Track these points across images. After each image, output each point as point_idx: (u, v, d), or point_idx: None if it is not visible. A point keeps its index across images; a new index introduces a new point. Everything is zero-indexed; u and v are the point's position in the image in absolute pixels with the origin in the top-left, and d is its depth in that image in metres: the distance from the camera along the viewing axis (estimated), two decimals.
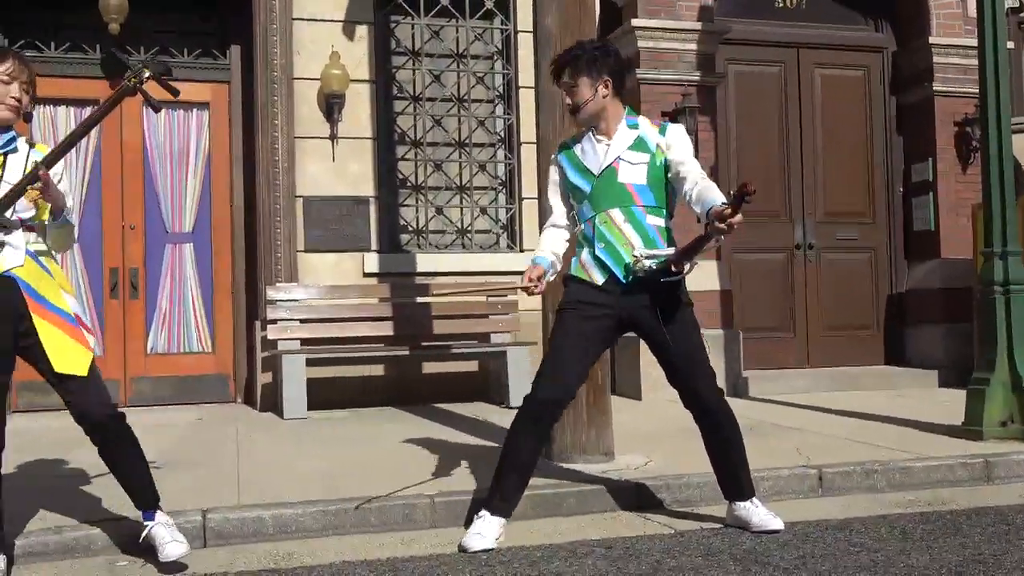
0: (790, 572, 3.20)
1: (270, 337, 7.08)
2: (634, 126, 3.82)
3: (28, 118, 3.46)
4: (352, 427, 6.20)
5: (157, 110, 3.58)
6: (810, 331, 8.38)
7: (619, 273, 3.68)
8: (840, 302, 8.43)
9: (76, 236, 3.63)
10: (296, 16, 7.42)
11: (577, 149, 3.87)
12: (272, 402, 7.08)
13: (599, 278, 3.72)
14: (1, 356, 3.29)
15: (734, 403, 7.24)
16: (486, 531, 3.62)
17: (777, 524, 3.77)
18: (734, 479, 3.90)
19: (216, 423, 6.55)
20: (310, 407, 6.73)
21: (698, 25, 7.86)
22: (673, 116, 7.73)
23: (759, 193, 8.56)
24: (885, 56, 8.70)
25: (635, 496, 4.29)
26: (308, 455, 5.26)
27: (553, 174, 3.99)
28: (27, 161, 3.34)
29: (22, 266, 3.28)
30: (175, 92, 3.62)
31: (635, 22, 7.74)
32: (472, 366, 7.50)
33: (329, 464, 4.99)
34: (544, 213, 4.07)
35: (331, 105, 7.39)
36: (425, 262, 7.56)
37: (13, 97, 3.29)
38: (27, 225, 3.34)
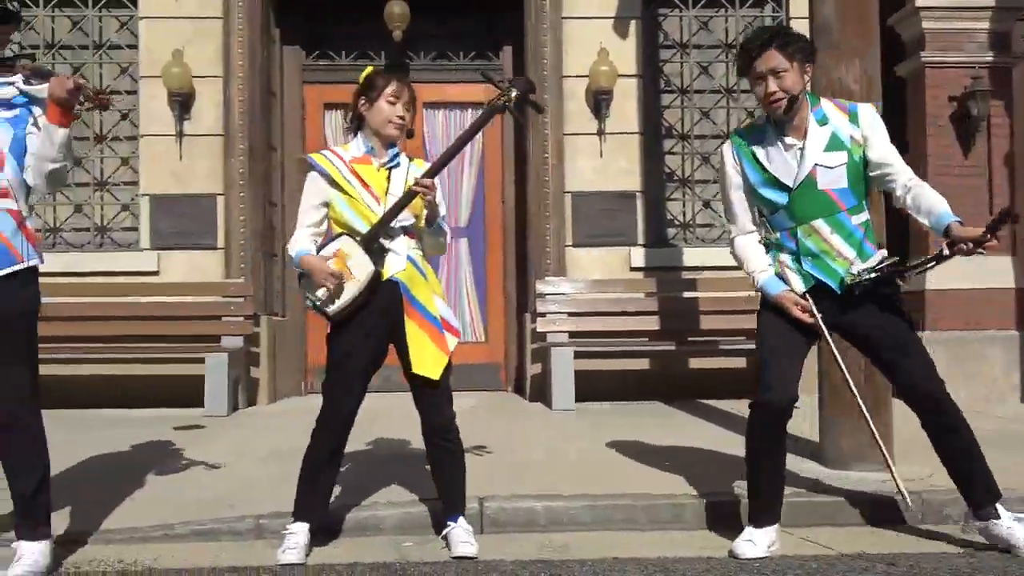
0: None
1: (539, 330, 7.32)
2: (823, 121, 3.51)
3: (410, 135, 3.73)
4: (618, 420, 6.29)
5: (523, 125, 3.91)
6: None
7: (834, 286, 3.52)
8: None
9: (447, 243, 3.91)
10: (566, 15, 7.61)
11: (760, 153, 3.57)
12: (541, 392, 7.32)
13: (800, 287, 3.56)
14: (376, 351, 3.65)
15: None
16: (758, 539, 3.58)
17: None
18: (978, 481, 3.60)
19: (489, 411, 6.83)
20: (578, 398, 6.90)
21: (991, 2, 7.30)
22: (962, 101, 7.28)
23: None
24: None
25: (918, 509, 4.08)
26: (577, 447, 5.38)
27: (733, 175, 3.65)
28: (407, 174, 3.66)
29: (403, 270, 3.61)
30: (540, 109, 3.88)
31: (920, 2, 7.32)
32: (740, 363, 7.42)
33: (597, 457, 5.09)
34: (731, 219, 3.74)
35: (599, 101, 7.52)
36: (692, 256, 7.55)
37: (399, 116, 3.62)
38: (408, 232, 3.65)
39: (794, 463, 4.78)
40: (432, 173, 3.60)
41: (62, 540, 3.73)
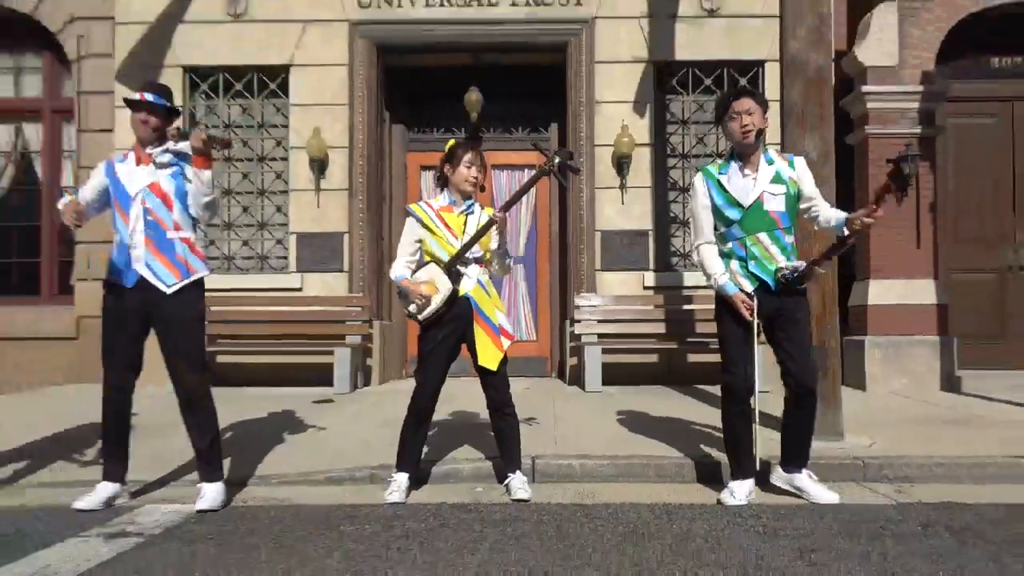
0: (1002, 547, 2.90)
1: (576, 332, 7.32)
2: (770, 162, 3.61)
3: (482, 188, 3.79)
4: (634, 399, 6.29)
5: (566, 186, 4.00)
6: (1022, 338, 7.37)
7: (770, 282, 3.55)
8: None
9: (511, 267, 3.98)
10: (597, 100, 7.62)
11: (723, 179, 3.58)
12: (577, 378, 7.33)
13: (749, 287, 3.55)
14: (453, 347, 3.75)
15: (947, 397, 6.61)
16: (738, 491, 3.57)
17: (831, 498, 3.56)
18: (800, 450, 3.68)
19: (539, 392, 6.87)
20: (604, 383, 6.90)
21: (920, 88, 7.18)
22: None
23: (974, 221, 7.74)
24: None
25: (861, 471, 4.05)
26: (603, 418, 5.39)
27: (703, 198, 3.62)
28: (479, 219, 3.75)
29: (474, 289, 3.72)
30: (576, 171, 3.95)
31: (865, 88, 7.20)
32: None
33: (618, 425, 5.10)
34: (698, 231, 3.67)
35: (621, 164, 7.52)
36: (690, 279, 7.50)
37: (474, 177, 3.72)
38: (478, 261, 3.75)
39: (767, 435, 4.74)
40: (505, 209, 3.73)
41: (230, 482, 3.84)
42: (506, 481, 3.77)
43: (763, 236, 3.53)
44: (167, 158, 3.57)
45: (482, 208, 3.84)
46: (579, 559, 2.77)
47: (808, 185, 3.63)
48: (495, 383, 3.75)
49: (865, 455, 4.18)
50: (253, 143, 7.81)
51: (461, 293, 3.70)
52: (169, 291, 3.50)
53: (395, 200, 8.32)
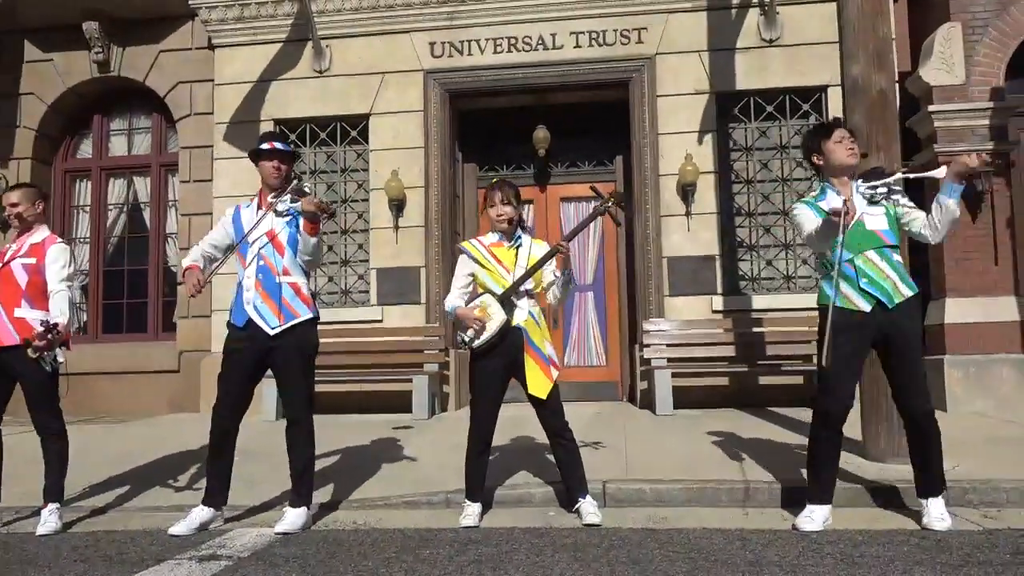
0: None
1: (645, 356, 7.15)
2: (861, 192, 3.47)
3: (510, 223, 3.74)
4: (706, 423, 6.07)
5: (619, 224, 3.98)
6: None
7: (885, 301, 3.34)
8: None
9: (573, 289, 3.91)
10: (660, 132, 7.51)
11: (823, 205, 3.43)
12: (648, 402, 7.13)
13: (865, 305, 3.35)
14: (505, 375, 3.68)
15: None
16: (816, 516, 3.36)
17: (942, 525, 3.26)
18: (934, 478, 3.40)
19: (609, 416, 6.71)
20: (675, 406, 6.70)
21: (989, 104, 6.78)
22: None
23: None
24: None
25: (945, 495, 3.72)
26: (673, 441, 5.23)
27: (809, 211, 3.46)
28: (530, 250, 3.71)
29: (525, 320, 3.66)
30: (624, 209, 3.91)
31: (932, 107, 6.86)
32: (797, 379, 7.01)
33: (689, 449, 4.92)
34: (806, 225, 3.49)
35: (686, 191, 7.36)
36: (758, 302, 7.25)
37: (500, 214, 3.71)
38: (530, 294, 3.71)
39: (843, 457, 4.47)
40: (568, 239, 3.68)
41: (320, 506, 3.87)
42: (576, 506, 3.66)
43: (871, 254, 3.36)
44: (285, 207, 3.66)
45: (532, 240, 3.80)
46: None
47: (903, 201, 3.46)
48: (550, 411, 3.65)
49: (948, 478, 3.86)
50: (336, 187, 8.03)
51: (513, 323, 3.64)
52: (272, 333, 3.56)
53: (468, 235, 8.36)
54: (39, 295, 3.84)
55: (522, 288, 3.67)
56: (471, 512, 3.61)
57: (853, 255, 3.36)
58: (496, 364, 3.64)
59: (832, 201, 3.40)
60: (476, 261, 3.75)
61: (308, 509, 3.62)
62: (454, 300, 3.75)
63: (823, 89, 7.34)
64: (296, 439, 3.63)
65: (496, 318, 3.61)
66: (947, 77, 6.92)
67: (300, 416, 3.64)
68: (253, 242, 3.62)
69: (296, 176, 3.79)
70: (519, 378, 3.68)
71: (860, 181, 3.53)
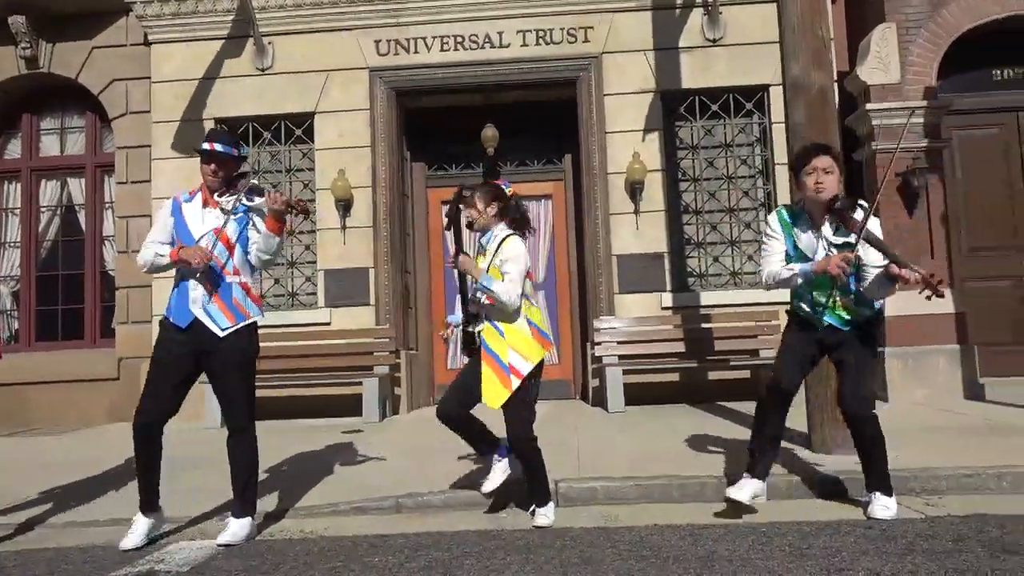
0: None
1: (597, 354, 7.16)
2: (836, 229, 3.40)
3: (470, 226, 3.66)
4: (657, 419, 6.13)
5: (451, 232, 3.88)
6: None
7: (840, 326, 3.45)
8: None
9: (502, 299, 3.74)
10: (608, 130, 7.53)
11: (796, 232, 3.46)
12: (600, 399, 7.15)
13: (820, 327, 3.49)
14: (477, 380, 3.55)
15: (971, 405, 6.32)
16: (745, 487, 3.48)
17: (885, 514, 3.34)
18: (876, 475, 3.45)
19: (563, 413, 6.72)
20: (626, 403, 6.73)
21: (924, 103, 6.99)
22: (905, 176, 6.93)
23: (987, 229, 7.45)
24: None
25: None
26: (625, 438, 5.24)
27: (776, 233, 3.51)
28: (495, 250, 3.57)
29: (483, 328, 3.57)
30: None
31: (869, 106, 7.04)
32: (745, 374, 7.13)
33: (640, 445, 4.94)
34: (771, 261, 3.52)
35: (634, 189, 7.40)
36: (706, 298, 7.33)
37: (469, 216, 3.62)
38: (479, 304, 3.60)
39: (789, 448, 4.54)
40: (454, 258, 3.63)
41: (265, 515, 3.74)
42: (532, 508, 3.60)
43: (834, 292, 3.39)
44: (232, 206, 3.49)
45: (500, 244, 3.60)
46: None
47: (872, 255, 3.31)
48: (508, 419, 3.52)
49: (890, 468, 3.94)
50: (281, 187, 7.82)
51: (476, 330, 3.58)
52: (222, 334, 3.42)
53: (417, 235, 8.27)
54: None
55: (479, 295, 3.57)
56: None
57: (814, 290, 3.45)
58: (466, 372, 3.64)
59: (801, 232, 3.43)
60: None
61: (252, 519, 3.49)
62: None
63: (766, 88, 7.46)
64: (238, 447, 3.49)
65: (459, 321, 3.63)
66: (883, 76, 7.11)
67: (241, 423, 3.50)
68: (199, 239, 3.46)
69: (243, 174, 3.61)
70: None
71: (829, 221, 3.40)
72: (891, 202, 7.04)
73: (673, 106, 7.66)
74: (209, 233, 3.46)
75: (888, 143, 7.01)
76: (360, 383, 6.93)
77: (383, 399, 7.04)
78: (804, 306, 3.54)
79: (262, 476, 4.15)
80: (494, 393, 3.47)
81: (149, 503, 3.47)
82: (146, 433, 3.42)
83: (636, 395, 6.89)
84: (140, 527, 3.43)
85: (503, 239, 3.58)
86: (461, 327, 3.63)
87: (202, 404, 6.63)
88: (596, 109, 7.52)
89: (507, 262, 3.49)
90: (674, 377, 7.24)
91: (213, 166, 3.48)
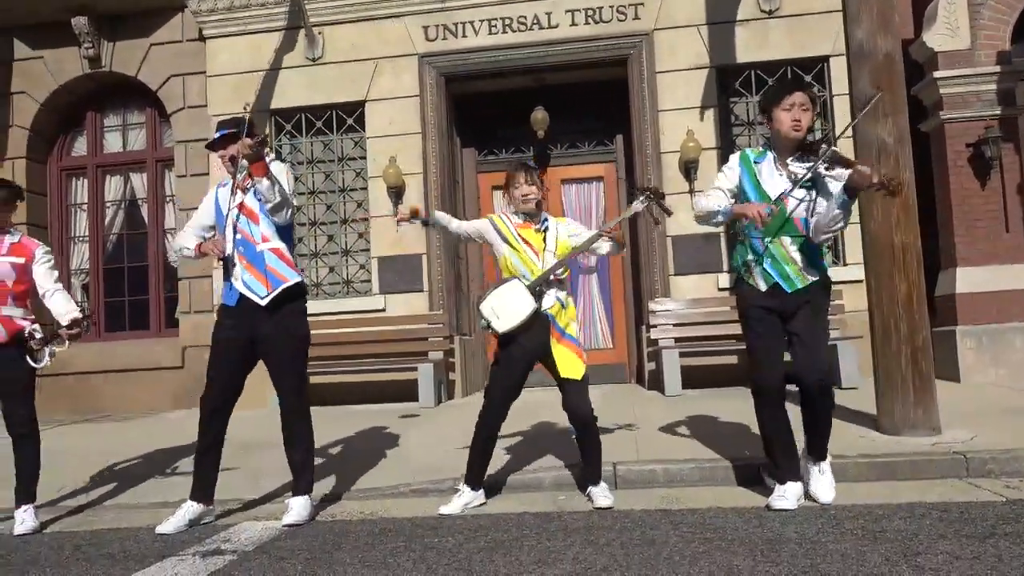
0: None
1: (652, 337, 7.06)
2: (799, 165, 3.23)
3: (538, 206, 3.62)
4: (714, 402, 5.99)
5: (657, 223, 3.85)
6: None
7: (784, 285, 3.25)
8: None
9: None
10: (661, 108, 7.38)
11: (758, 169, 3.29)
12: (656, 383, 7.05)
13: (763, 284, 3.28)
14: (530, 366, 3.58)
15: None
16: (788, 493, 3.27)
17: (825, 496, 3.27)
18: (818, 444, 3.35)
19: (618, 398, 6.64)
20: (683, 386, 6.61)
21: (996, 68, 6.63)
22: (977, 146, 6.60)
23: None
24: None
25: (964, 467, 3.65)
26: (685, 422, 5.13)
27: (730, 172, 3.35)
28: (556, 232, 3.62)
29: (552, 306, 3.55)
30: (669, 212, 3.82)
31: (936, 74, 6.71)
32: None
33: (700, 429, 4.83)
34: (708, 194, 3.37)
35: (688, 168, 7.25)
36: None
37: (524, 195, 3.58)
38: (558, 279, 3.58)
39: (857, 431, 4.38)
40: (612, 229, 3.60)
41: (322, 498, 3.80)
42: (588, 490, 3.58)
43: (785, 239, 3.25)
44: (243, 173, 3.55)
45: (556, 220, 3.69)
46: (667, 568, 2.55)
47: (833, 185, 3.18)
48: (576, 395, 3.53)
49: (967, 450, 3.78)
50: (334, 176, 7.92)
51: (541, 310, 3.54)
52: (263, 302, 3.45)
53: (469, 219, 8.26)
54: (23, 294, 3.81)
55: (556, 279, 3.56)
56: (466, 499, 3.54)
57: (765, 236, 3.26)
58: (521, 351, 3.54)
59: (766, 169, 3.27)
60: (500, 235, 3.64)
61: (310, 498, 3.54)
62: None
63: (825, 59, 7.19)
64: (293, 428, 3.54)
65: (526, 306, 3.48)
66: (952, 42, 6.77)
67: (295, 404, 3.54)
68: (227, 216, 3.53)
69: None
70: (547, 364, 3.59)
71: (795, 157, 3.26)
72: (961, 173, 6.72)
73: (727, 82, 7.45)
74: (233, 209, 3.53)
75: (957, 112, 6.68)
76: (415, 368, 6.98)
77: (438, 384, 7.08)
78: (749, 256, 3.31)
79: (323, 459, 4.22)
80: (574, 366, 3.55)
81: (200, 491, 3.52)
82: (208, 419, 3.51)
83: (693, 378, 6.76)
84: (183, 512, 3.47)
85: (557, 221, 3.70)
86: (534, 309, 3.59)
87: (265, 389, 6.77)
88: (648, 87, 7.36)
89: (581, 233, 3.65)
90: (732, 360, 7.07)
91: (219, 153, 3.57)
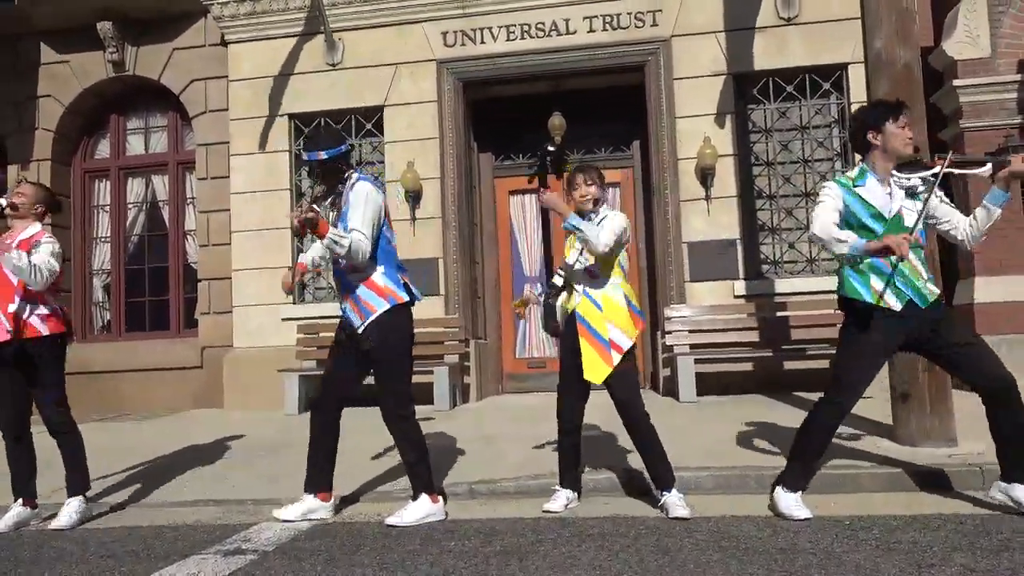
0: None
1: (668, 343, 7.06)
2: (903, 176, 3.19)
3: (596, 202, 3.57)
4: (730, 409, 5.99)
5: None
6: None
7: (918, 300, 3.17)
8: None
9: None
10: (678, 115, 7.38)
11: (862, 190, 3.20)
12: (670, 389, 7.05)
13: (896, 304, 3.16)
14: (575, 363, 3.49)
15: None
16: (801, 501, 3.28)
17: None
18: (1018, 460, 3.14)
19: None
20: (698, 393, 6.60)
21: (1017, 77, 6.59)
22: (997, 154, 6.55)
23: None
24: None
25: (979, 479, 3.63)
26: (698, 428, 5.14)
27: (833, 200, 3.20)
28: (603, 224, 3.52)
29: (580, 303, 3.53)
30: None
31: (956, 82, 6.68)
32: (823, 364, 6.88)
33: (714, 435, 4.83)
34: (827, 209, 3.20)
35: (705, 175, 7.25)
36: (781, 285, 7.12)
37: (582, 195, 3.54)
38: (592, 273, 3.52)
39: (872, 441, 4.38)
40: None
41: (343, 499, 3.84)
42: (662, 500, 3.46)
43: (911, 254, 3.11)
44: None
45: (614, 215, 3.56)
46: None
47: (943, 200, 3.22)
48: (617, 396, 3.47)
49: (983, 462, 3.76)
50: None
51: (569, 308, 3.56)
52: (360, 331, 3.54)
53: (485, 226, 8.31)
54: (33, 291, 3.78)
55: (578, 267, 3.54)
56: (557, 498, 3.60)
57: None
58: (563, 352, 3.60)
59: (872, 189, 3.19)
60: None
61: (429, 497, 3.52)
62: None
63: (844, 67, 7.18)
64: (394, 430, 3.60)
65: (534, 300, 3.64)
66: (972, 50, 6.74)
67: (391, 414, 3.58)
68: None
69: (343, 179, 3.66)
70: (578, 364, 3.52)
71: (897, 172, 3.22)
72: (982, 183, 6.67)
73: (745, 88, 7.45)
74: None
75: (977, 121, 6.65)
76: (431, 372, 7.03)
77: (453, 388, 7.13)
78: (874, 279, 3.16)
79: (341, 461, 4.26)
80: (596, 368, 3.45)
81: (312, 481, 3.61)
82: (314, 418, 3.67)
83: (708, 385, 6.76)
84: (301, 504, 3.59)
85: (612, 213, 3.57)
86: (543, 299, 3.63)
87: (282, 391, 6.85)
88: (665, 94, 7.38)
89: (605, 220, 3.49)
90: (748, 367, 7.07)
91: (307, 170, 3.62)
